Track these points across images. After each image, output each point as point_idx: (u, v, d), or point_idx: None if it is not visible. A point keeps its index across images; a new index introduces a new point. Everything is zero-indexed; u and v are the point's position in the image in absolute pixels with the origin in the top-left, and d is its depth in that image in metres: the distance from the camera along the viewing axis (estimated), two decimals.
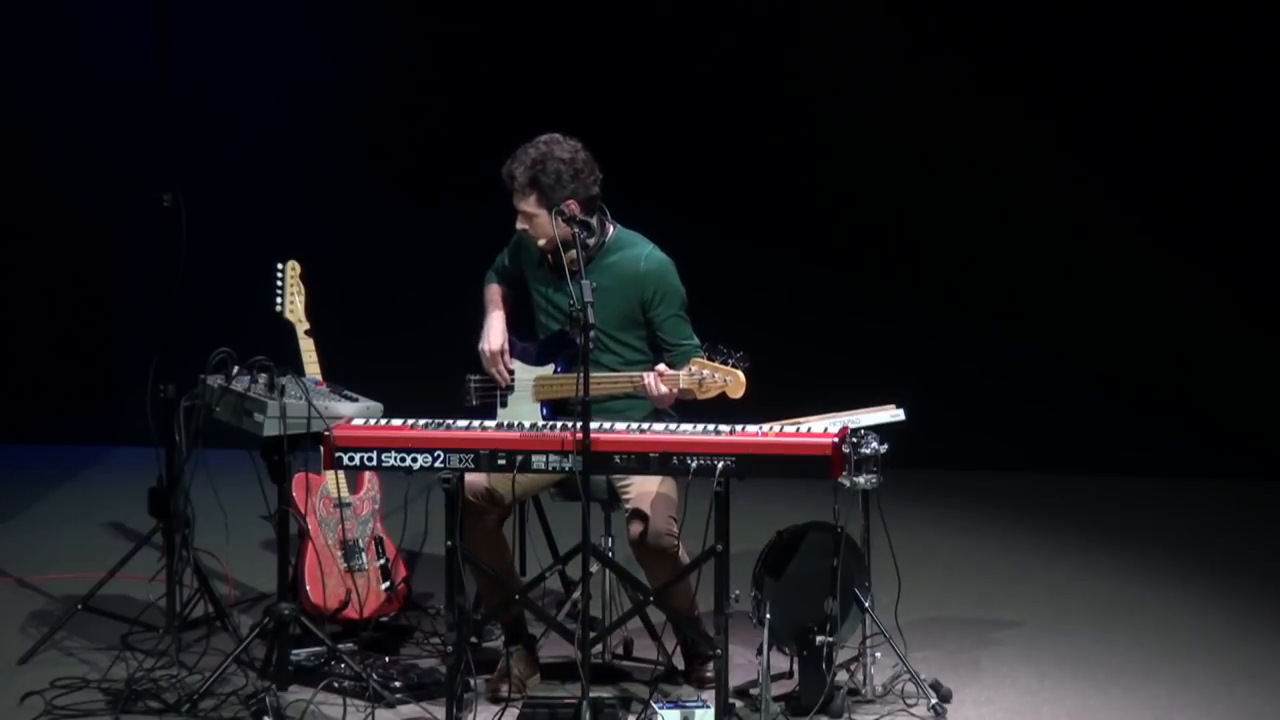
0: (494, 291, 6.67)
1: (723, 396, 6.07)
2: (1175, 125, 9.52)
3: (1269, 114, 9.45)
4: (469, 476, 6.15)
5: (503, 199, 6.61)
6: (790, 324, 9.56)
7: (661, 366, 6.24)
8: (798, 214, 9.74)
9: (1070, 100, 9.58)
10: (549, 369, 6.41)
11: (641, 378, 6.23)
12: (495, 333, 6.52)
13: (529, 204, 6.34)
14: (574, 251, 6.19)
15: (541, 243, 6.41)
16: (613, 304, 6.34)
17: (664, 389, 6.18)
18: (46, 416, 10.13)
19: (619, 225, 6.50)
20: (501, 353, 6.47)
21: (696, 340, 6.42)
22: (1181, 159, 9.53)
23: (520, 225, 6.41)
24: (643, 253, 6.44)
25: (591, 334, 5.91)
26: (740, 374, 6.03)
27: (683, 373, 6.14)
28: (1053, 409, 9.66)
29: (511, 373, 6.47)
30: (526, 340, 6.55)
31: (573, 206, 6.30)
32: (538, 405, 6.39)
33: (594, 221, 6.35)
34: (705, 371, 6.08)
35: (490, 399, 6.48)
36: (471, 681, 6.10)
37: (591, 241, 6.36)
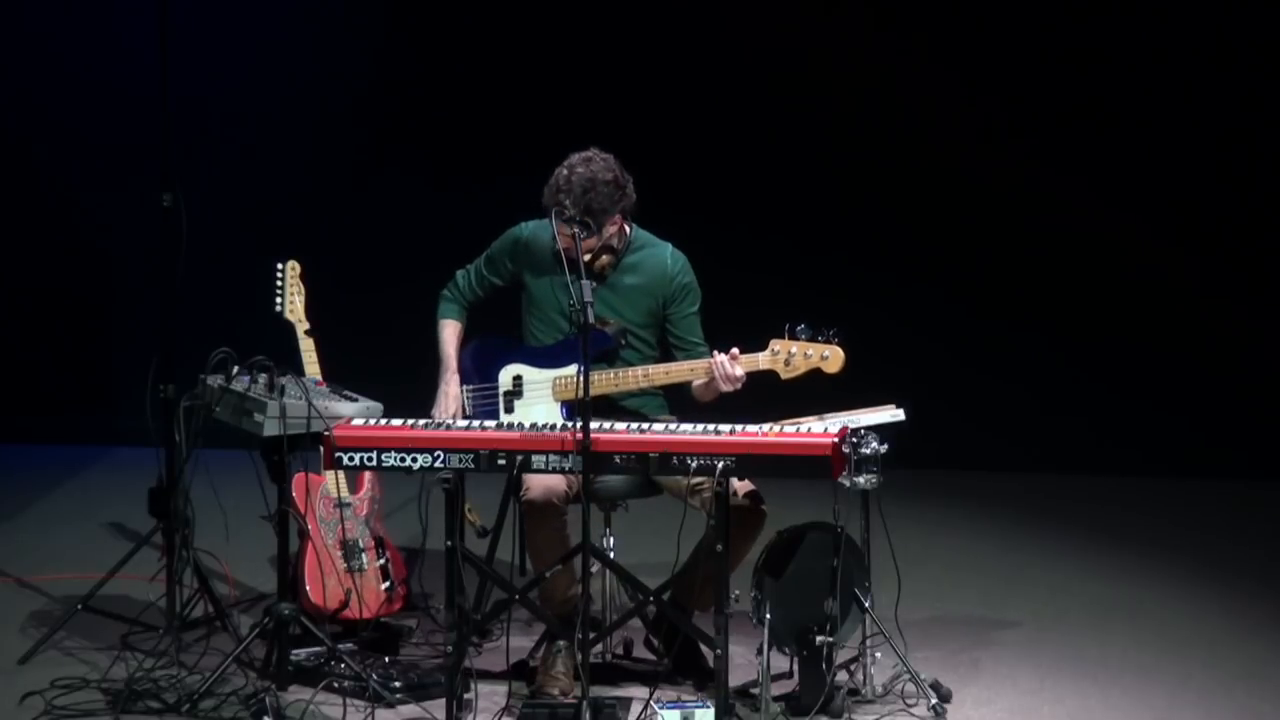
0: (451, 333, 6.58)
1: (820, 371, 6.11)
2: (1175, 126, 9.52)
3: (1269, 114, 9.44)
4: (546, 481, 6.08)
5: (504, 199, 6.61)
6: (789, 324, 9.53)
7: (735, 350, 6.20)
8: (798, 213, 9.74)
9: (1071, 100, 9.58)
10: (570, 369, 6.36)
11: (708, 363, 6.21)
12: (453, 399, 6.48)
13: (574, 230, 6.24)
14: (605, 256, 6.33)
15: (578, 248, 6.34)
16: (642, 301, 6.42)
17: (738, 371, 6.18)
18: (46, 416, 10.13)
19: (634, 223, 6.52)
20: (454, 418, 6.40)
21: (706, 345, 6.44)
22: (1182, 159, 9.53)
23: (565, 244, 6.28)
24: (667, 250, 6.51)
25: (625, 334, 6.09)
26: (839, 349, 6.07)
27: (763, 355, 6.15)
28: (1053, 409, 9.65)
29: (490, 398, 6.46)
30: (528, 343, 6.52)
31: (619, 222, 6.37)
32: (557, 405, 6.38)
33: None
34: (793, 348, 6.10)
35: (490, 406, 6.45)
36: (471, 681, 6.09)
37: (616, 243, 6.40)
